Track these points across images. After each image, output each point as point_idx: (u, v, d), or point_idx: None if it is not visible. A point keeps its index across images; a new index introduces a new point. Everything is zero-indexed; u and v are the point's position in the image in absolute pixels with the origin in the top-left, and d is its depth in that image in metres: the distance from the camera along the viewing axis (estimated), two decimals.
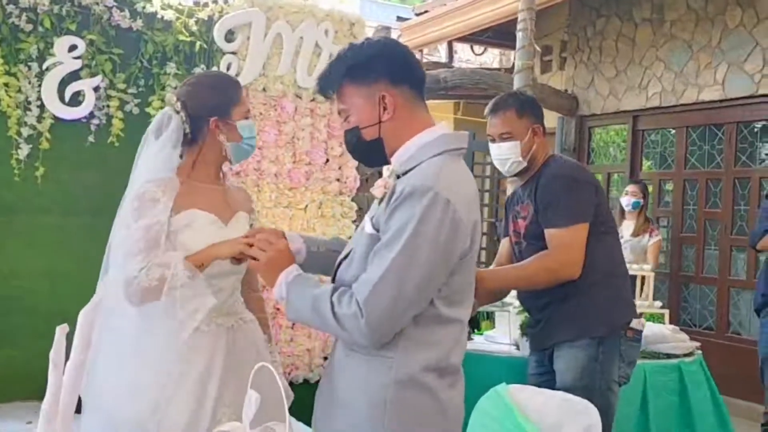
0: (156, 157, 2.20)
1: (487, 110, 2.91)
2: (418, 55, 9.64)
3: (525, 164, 2.83)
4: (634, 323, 2.82)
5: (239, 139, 2.25)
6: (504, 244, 3.08)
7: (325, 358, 3.91)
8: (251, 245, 1.93)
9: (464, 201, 1.74)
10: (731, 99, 6.20)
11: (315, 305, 1.74)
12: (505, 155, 2.84)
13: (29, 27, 3.40)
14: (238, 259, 2.07)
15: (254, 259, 1.91)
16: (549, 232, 2.71)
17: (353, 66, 1.83)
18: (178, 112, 2.22)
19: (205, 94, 2.26)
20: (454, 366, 1.81)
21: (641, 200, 6.07)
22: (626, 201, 6.08)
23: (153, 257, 2.06)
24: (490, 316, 3.83)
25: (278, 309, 3.86)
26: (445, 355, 1.77)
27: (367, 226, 1.79)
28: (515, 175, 2.91)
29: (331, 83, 1.86)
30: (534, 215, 2.79)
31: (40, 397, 2.25)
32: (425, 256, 1.66)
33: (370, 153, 1.88)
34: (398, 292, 1.65)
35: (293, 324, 3.92)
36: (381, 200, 1.78)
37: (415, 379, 1.72)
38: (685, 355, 3.78)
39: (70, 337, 2.19)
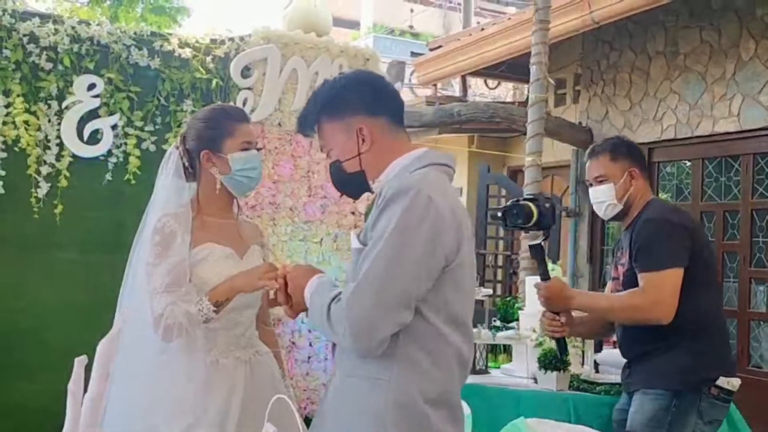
0: (163, 188, 2.26)
1: (585, 157, 3.00)
2: (431, 90, 9.73)
3: (621, 207, 2.84)
4: (722, 381, 2.70)
5: (229, 171, 2.27)
6: (607, 289, 3.11)
7: None
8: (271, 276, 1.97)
9: (447, 203, 1.73)
10: (747, 130, 6.18)
11: (321, 308, 1.74)
12: (600, 198, 2.87)
13: (49, 66, 3.46)
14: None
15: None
16: (641, 276, 2.69)
17: (327, 103, 1.86)
18: (177, 147, 2.29)
19: (197, 128, 2.31)
20: (453, 395, 1.77)
21: None
22: None
23: (178, 294, 2.08)
24: (507, 349, 3.80)
25: (294, 343, 3.85)
26: (442, 383, 1.74)
27: (353, 242, 1.80)
28: (614, 219, 2.93)
29: (307, 123, 1.90)
30: (630, 261, 2.76)
31: (58, 431, 2.25)
32: (407, 252, 1.66)
33: (353, 185, 1.91)
34: (381, 289, 1.64)
35: (309, 357, 3.90)
36: (367, 215, 1.80)
37: (412, 405, 1.69)
38: None
39: (88, 369, 2.20)
